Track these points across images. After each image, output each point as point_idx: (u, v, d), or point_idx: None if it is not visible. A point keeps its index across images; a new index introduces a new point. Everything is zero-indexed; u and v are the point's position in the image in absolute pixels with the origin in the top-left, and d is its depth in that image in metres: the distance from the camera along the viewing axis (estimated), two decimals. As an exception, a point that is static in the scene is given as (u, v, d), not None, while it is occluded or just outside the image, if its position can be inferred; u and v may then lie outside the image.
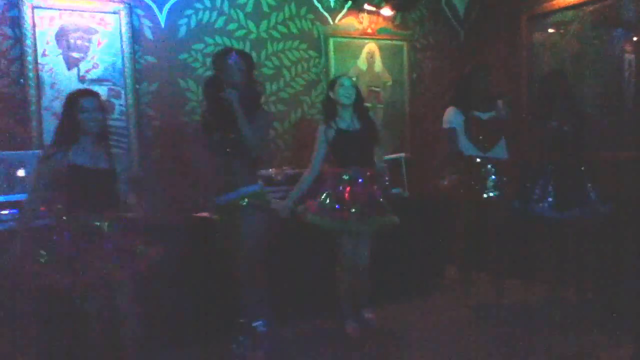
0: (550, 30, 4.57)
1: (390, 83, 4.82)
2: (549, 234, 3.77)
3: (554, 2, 4.48)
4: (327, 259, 3.39)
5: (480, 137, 3.64)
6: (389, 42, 4.81)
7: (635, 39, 4.03)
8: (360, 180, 3.27)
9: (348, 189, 3.25)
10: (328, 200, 3.24)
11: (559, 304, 3.68)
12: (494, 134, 3.67)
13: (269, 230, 3.00)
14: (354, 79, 3.56)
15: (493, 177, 3.62)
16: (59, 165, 2.58)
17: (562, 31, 4.49)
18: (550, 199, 3.55)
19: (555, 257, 3.78)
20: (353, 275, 3.33)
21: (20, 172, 3.01)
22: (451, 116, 3.72)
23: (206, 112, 3.09)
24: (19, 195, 2.94)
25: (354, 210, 3.20)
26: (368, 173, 3.30)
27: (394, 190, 4.01)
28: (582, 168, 3.59)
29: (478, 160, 3.63)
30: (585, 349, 3.03)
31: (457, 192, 3.74)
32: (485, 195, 3.63)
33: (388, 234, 3.41)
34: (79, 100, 2.63)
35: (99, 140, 2.70)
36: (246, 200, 2.92)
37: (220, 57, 3.00)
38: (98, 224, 2.61)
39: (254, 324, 2.93)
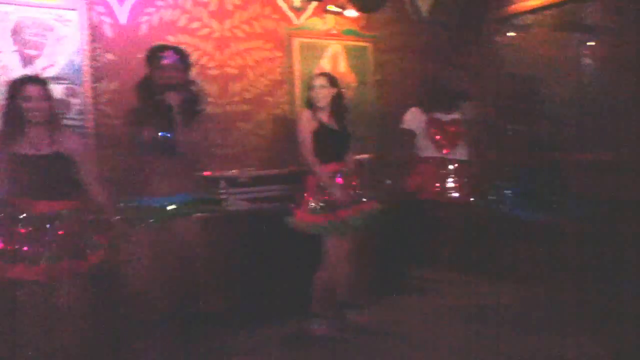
0: (514, 33, 4.66)
1: (355, 84, 4.82)
2: (521, 234, 3.82)
3: (517, 6, 4.57)
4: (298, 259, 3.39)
5: (440, 138, 3.68)
6: (354, 43, 4.82)
7: (592, 43, 4.13)
8: (340, 179, 3.25)
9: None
10: (313, 205, 3.19)
11: (531, 304, 3.73)
12: (454, 135, 3.71)
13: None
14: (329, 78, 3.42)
15: (451, 178, 3.66)
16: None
17: (524, 34, 4.58)
18: (523, 202, 3.61)
19: (527, 257, 3.84)
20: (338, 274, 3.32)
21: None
22: (410, 117, 3.75)
23: (136, 111, 2.92)
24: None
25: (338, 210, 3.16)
26: (345, 169, 3.28)
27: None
28: (552, 169, 3.67)
29: (436, 161, 3.67)
30: (555, 348, 3.06)
31: (418, 193, 3.76)
32: (448, 196, 3.66)
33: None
34: (23, 88, 2.54)
35: (47, 128, 2.60)
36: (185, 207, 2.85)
37: (155, 54, 2.90)
38: (42, 214, 2.51)
39: None
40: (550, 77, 4.34)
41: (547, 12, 4.40)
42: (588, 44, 4.23)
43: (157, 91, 2.78)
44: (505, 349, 3.05)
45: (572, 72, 4.29)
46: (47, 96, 2.61)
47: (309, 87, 3.37)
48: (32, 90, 2.54)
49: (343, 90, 4.41)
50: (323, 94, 3.26)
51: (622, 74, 3.96)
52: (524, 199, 3.62)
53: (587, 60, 4.25)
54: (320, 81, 3.31)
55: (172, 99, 2.80)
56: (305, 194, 3.21)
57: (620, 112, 3.97)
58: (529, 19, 4.56)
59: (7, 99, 2.59)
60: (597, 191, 3.80)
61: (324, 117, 3.28)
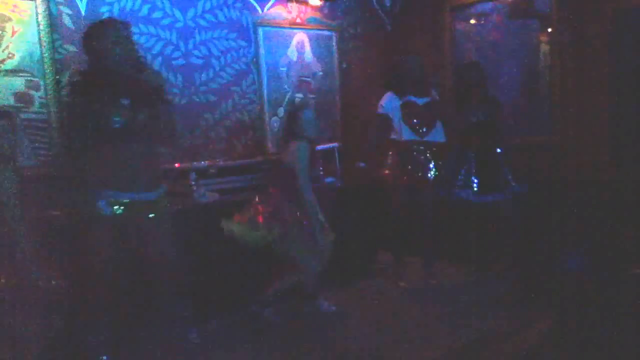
0: (472, 21, 4.77)
1: (320, 73, 4.85)
2: (472, 217, 3.97)
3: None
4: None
5: (417, 122, 3.76)
6: (318, 31, 4.84)
7: (549, 30, 4.28)
8: None
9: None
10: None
11: (484, 284, 3.89)
12: (430, 118, 3.80)
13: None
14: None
15: (431, 161, 3.76)
16: None
17: (482, 22, 4.70)
18: (473, 185, 3.76)
19: (478, 239, 3.99)
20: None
21: None
22: (386, 101, 3.81)
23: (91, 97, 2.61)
24: None
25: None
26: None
27: (327, 180, 4.07)
28: (499, 153, 3.81)
29: (416, 144, 3.75)
30: (508, 325, 3.21)
31: (397, 178, 3.83)
32: (429, 177, 3.77)
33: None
34: None
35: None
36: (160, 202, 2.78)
37: (101, 32, 2.64)
38: None
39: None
40: (503, 64, 4.49)
41: (505, 0, 4.52)
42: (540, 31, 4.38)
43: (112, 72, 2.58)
44: (461, 327, 3.19)
45: (524, 59, 4.44)
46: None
47: (290, 116, 3.43)
48: None
49: (308, 79, 4.51)
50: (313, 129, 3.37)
51: (571, 61, 4.15)
52: (482, 183, 3.78)
53: (540, 48, 4.41)
54: (305, 116, 3.37)
55: (129, 81, 2.62)
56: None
57: (561, 98, 4.17)
58: (488, 6, 4.67)
59: None
60: (534, 171, 3.99)
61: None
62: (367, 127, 4.11)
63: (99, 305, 2.69)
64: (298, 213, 3.24)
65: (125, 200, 2.64)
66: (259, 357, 2.99)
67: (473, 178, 3.79)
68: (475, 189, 3.78)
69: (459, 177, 3.81)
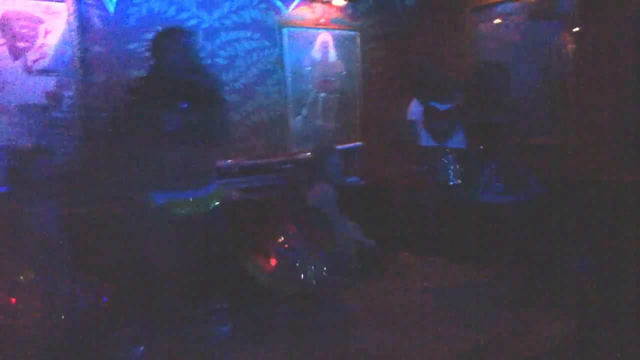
0: (493, 22, 4.74)
1: (344, 73, 4.88)
2: (493, 218, 3.95)
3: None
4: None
5: (437, 128, 3.76)
6: (342, 32, 4.86)
7: (573, 30, 4.24)
8: None
9: None
10: None
11: (506, 284, 3.86)
12: (450, 124, 3.80)
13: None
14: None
15: (452, 166, 3.76)
16: None
17: (504, 22, 4.67)
18: (494, 186, 3.75)
19: (498, 240, 3.97)
20: None
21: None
22: (412, 108, 3.84)
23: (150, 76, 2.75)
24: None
25: None
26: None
27: (350, 179, 4.09)
28: (519, 154, 3.80)
29: (434, 150, 3.76)
30: (529, 325, 3.19)
31: (417, 182, 3.85)
32: (450, 184, 3.77)
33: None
34: None
35: None
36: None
37: (167, 38, 2.75)
38: None
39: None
40: (525, 64, 4.46)
41: (528, 0, 4.49)
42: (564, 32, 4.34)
43: (175, 77, 2.68)
44: (481, 328, 3.16)
45: (546, 60, 4.40)
46: None
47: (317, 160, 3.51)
48: None
49: (332, 79, 4.52)
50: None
51: (594, 61, 4.10)
52: (494, 183, 3.76)
53: (563, 48, 4.37)
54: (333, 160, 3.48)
55: (188, 85, 2.72)
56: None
57: (583, 99, 4.12)
58: (508, 7, 4.64)
59: None
60: (550, 173, 3.96)
61: None
62: (394, 129, 4.11)
63: (145, 298, 2.78)
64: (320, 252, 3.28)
65: (178, 199, 2.74)
66: (277, 353, 3.03)
67: (494, 179, 3.78)
68: (497, 190, 3.77)
69: (481, 179, 3.80)
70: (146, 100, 2.66)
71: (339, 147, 4.40)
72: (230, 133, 3.03)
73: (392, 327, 3.28)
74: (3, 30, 3.46)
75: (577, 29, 4.18)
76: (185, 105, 2.68)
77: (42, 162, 2.66)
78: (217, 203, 2.84)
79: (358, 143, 4.35)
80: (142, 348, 2.77)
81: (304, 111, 4.64)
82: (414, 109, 3.82)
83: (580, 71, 4.18)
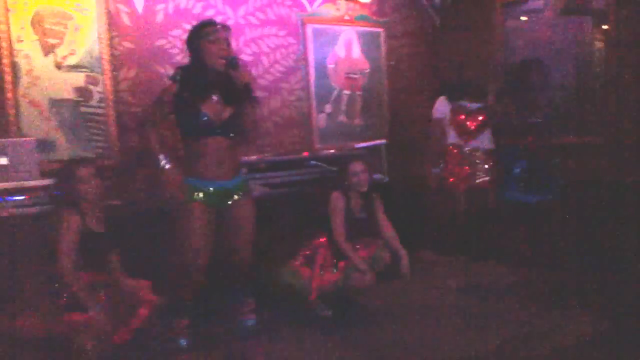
0: (523, 18, 4.69)
1: (368, 70, 4.87)
2: (521, 217, 3.92)
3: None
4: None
5: (464, 127, 3.74)
6: (367, 28, 4.85)
7: (604, 27, 4.17)
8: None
9: None
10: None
11: (530, 284, 3.83)
12: (478, 124, 3.77)
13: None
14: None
15: (479, 164, 3.73)
16: None
17: (534, 19, 4.62)
18: (523, 185, 3.71)
19: (525, 239, 3.94)
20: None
21: (3, 160, 2.96)
22: (439, 106, 3.81)
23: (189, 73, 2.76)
24: (1, 184, 2.90)
25: None
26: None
27: (374, 176, 4.07)
28: (549, 153, 3.76)
29: (461, 149, 3.74)
30: (555, 324, 3.16)
31: (445, 181, 3.83)
32: (477, 181, 3.74)
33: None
34: (75, 172, 2.68)
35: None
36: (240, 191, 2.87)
37: (204, 29, 2.74)
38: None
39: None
40: (555, 62, 4.40)
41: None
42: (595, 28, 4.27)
43: (212, 68, 2.69)
44: (504, 327, 3.15)
45: (576, 57, 4.34)
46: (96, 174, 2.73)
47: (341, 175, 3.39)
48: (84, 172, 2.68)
49: (356, 76, 4.50)
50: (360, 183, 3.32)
51: (626, 58, 4.03)
52: (532, 184, 3.73)
53: (594, 45, 4.30)
54: (359, 167, 3.34)
55: (221, 78, 2.72)
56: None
57: (615, 97, 4.05)
58: (538, 3, 4.59)
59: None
60: (585, 173, 3.91)
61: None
62: (425, 130, 4.10)
63: (185, 290, 2.82)
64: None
65: (209, 188, 2.76)
66: (306, 348, 3.04)
67: (520, 177, 3.75)
68: (525, 188, 3.74)
69: (511, 177, 3.77)
70: (183, 90, 2.70)
71: (363, 144, 4.42)
72: (256, 131, 3.02)
73: (416, 325, 3.28)
74: (35, 27, 3.53)
75: (607, 25, 4.11)
76: (217, 97, 2.72)
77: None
78: (242, 193, 2.86)
79: (382, 140, 4.33)
80: (184, 341, 2.83)
81: (328, 108, 4.65)
82: (440, 107, 3.79)
83: (610, 69, 4.11)
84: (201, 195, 2.73)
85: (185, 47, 2.85)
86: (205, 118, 2.68)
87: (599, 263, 3.80)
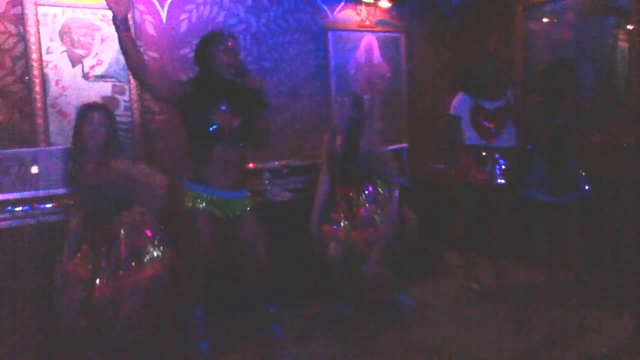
0: (545, 20, 4.66)
1: (388, 74, 4.88)
2: (544, 217, 3.88)
3: (547, -9, 4.56)
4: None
5: (485, 126, 3.72)
6: (387, 33, 4.87)
7: (628, 27, 4.12)
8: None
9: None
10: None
11: (557, 284, 3.80)
12: (499, 122, 3.74)
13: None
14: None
15: (500, 165, 3.71)
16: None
17: (556, 20, 4.58)
18: (544, 184, 3.68)
19: (550, 239, 3.90)
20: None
21: (34, 169, 3.04)
22: (458, 102, 3.79)
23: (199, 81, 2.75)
24: (31, 192, 2.99)
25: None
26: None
27: (395, 180, 4.07)
28: (574, 154, 3.71)
29: (479, 149, 3.72)
30: (584, 324, 3.14)
31: (459, 178, 3.82)
32: (496, 182, 3.72)
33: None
34: (86, 113, 2.69)
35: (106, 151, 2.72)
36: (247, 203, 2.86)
37: (216, 39, 2.73)
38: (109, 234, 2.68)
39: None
40: (578, 63, 4.35)
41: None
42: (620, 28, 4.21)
43: (224, 77, 2.69)
44: (531, 328, 3.14)
45: (600, 58, 4.28)
46: (105, 123, 2.71)
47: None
48: (94, 115, 2.68)
49: (377, 81, 4.51)
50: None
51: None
52: (554, 183, 3.69)
53: (618, 46, 4.25)
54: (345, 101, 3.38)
55: (230, 87, 2.72)
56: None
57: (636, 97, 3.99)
58: (560, 5, 4.55)
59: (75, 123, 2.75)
60: (608, 172, 3.85)
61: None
62: (438, 126, 4.09)
63: (196, 296, 2.83)
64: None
65: (212, 196, 2.74)
66: (330, 349, 3.06)
67: (544, 177, 3.71)
68: (547, 188, 3.70)
69: (531, 176, 3.74)
70: (193, 99, 2.68)
71: (384, 148, 4.41)
72: (268, 139, 2.92)
73: (442, 327, 3.28)
74: (63, 38, 3.63)
75: (632, 26, 4.05)
76: (225, 106, 2.71)
77: None
78: (248, 208, 2.83)
79: (404, 144, 4.33)
80: (206, 345, 2.85)
81: (350, 113, 4.66)
82: (458, 104, 3.77)
83: (635, 69, 4.06)
84: (204, 203, 2.71)
85: (195, 56, 2.82)
86: (214, 127, 2.66)
87: (630, 264, 3.75)
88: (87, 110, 2.72)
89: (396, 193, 3.33)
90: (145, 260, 2.68)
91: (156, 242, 2.73)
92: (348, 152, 3.32)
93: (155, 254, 2.72)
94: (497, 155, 3.72)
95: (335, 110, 3.37)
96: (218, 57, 2.69)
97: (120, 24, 2.48)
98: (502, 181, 3.70)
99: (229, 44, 2.72)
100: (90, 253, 2.66)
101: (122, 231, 2.68)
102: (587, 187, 3.69)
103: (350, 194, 3.35)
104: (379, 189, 3.38)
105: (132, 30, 3.73)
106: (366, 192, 3.37)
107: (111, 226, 2.68)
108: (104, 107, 2.82)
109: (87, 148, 2.67)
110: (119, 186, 2.69)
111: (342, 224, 3.32)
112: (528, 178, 3.74)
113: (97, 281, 2.56)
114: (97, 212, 2.69)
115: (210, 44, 2.73)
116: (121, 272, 2.61)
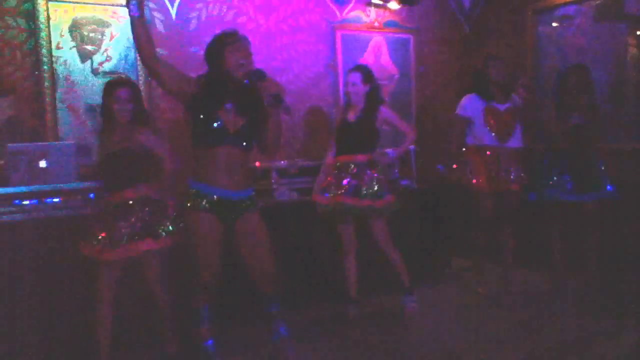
0: (555, 24, 4.64)
1: (397, 76, 4.87)
2: (564, 218, 3.83)
3: (558, -4, 4.55)
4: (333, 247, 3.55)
5: (499, 127, 3.71)
6: (396, 35, 4.86)
7: (638, 32, 4.10)
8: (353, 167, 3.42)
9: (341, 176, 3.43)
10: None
11: (566, 292, 3.77)
12: (511, 124, 3.74)
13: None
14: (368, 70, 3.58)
15: (513, 168, 3.70)
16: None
17: (566, 25, 4.56)
18: (567, 184, 3.65)
19: (564, 244, 3.86)
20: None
21: (42, 164, 3.04)
22: (469, 103, 3.77)
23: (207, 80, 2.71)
24: (41, 186, 2.99)
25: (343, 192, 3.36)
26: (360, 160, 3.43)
27: (403, 182, 4.07)
28: (595, 155, 3.70)
29: (493, 149, 3.71)
30: (591, 331, 3.13)
31: (468, 182, 3.80)
32: (505, 184, 3.71)
33: (397, 224, 3.51)
34: (113, 91, 2.80)
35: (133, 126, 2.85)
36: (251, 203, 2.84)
37: (228, 39, 2.69)
38: (127, 201, 2.75)
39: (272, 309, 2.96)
40: (594, 68, 4.32)
41: (591, 2, 4.37)
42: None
43: (236, 77, 2.65)
44: (539, 334, 3.13)
45: (611, 64, 4.26)
46: (134, 98, 2.85)
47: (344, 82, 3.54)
48: (120, 92, 2.80)
49: (385, 83, 4.50)
50: (355, 91, 3.46)
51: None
52: (576, 183, 3.66)
53: (628, 51, 4.23)
54: (352, 78, 3.48)
55: (237, 86, 2.68)
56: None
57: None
58: (570, 9, 4.53)
59: (102, 99, 2.88)
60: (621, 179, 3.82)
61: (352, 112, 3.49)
62: (448, 128, 4.07)
63: (201, 296, 2.83)
64: None
65: (214, 196, 2.70)
66: (334, 350, 3.05)
67: (565, 177, 3.68)
68: (568, 188, 3.67)
69: (553, 177, 3.71)
70: (200, 96, 2.65)
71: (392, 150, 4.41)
72: (279, 144, 2.89)
73: (447, 330, 3.27)
74: (73, 34, 3.63)
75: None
76: (230, 106, 2.66)
77: None
78: (252, 208, 2.79)
79: (412, 146, 4.32)
80: (211, 342, 2.85)
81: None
82: (469, 105, 3.77)
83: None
84: (205, 203, 2.67)
85: (205, 54, 2.78)
86: (218, 125, 2.62)
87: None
88: (113, 86, 2.82)
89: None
90: (160, 231, 2.77)
91: (171, 217, 2.83)
92: (365, 120, 3.44)
93: (170, 227, 2.80)
94: (508, 158, 3.71)
95: (352, 88, 3.48)
96: (229, 56, 2.65)
97: (134, 8, 2.45)
98: (516, 186, 3.69)
99: (242, 44, 2.70)
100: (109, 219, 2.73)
101: (138, 201, 2.77)
102: (609, 187, 3.66)
103: (351, 162, 3.44)
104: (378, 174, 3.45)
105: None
106: (366, 166, 3.44)
107: (129, 194, 2.76)
108: (130, 82, 2.92)
109: (117, 123, 2.81)
110: (137, 155, 2.80)
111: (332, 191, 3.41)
112: (548, 179, 3.72)
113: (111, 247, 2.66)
114: (117, 179, 2.77)
115: (222, 42, 2.70)
116: (137, 239, 2.70)
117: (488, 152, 3.72)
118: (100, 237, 2.67)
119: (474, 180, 3.75)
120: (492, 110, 3.71)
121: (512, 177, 3.71)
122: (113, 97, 2.79)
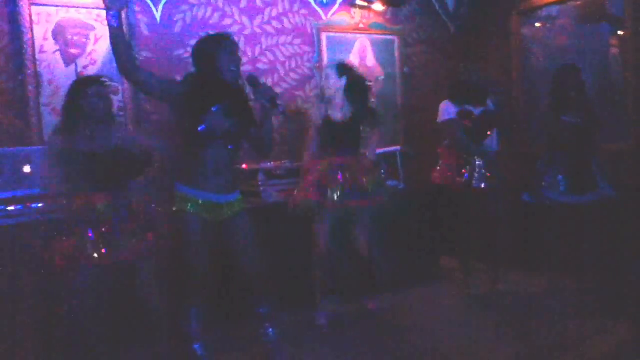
0: (539, 25, 4.69)
1: (382, 77, 4.90)
2: (554, 221, 3.85)
3: (542, -3, 4.60)
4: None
5: (471, 130, 3.75)
6: (381, 36, 4.89)
7: (620, 33, 4.16)
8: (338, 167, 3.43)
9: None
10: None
11: (558, 293, 3.77)
12: (484, 127, 3.79)
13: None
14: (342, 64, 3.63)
15: (482, 170, 3.72)
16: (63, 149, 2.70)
17: (550, 26, 4.61)
18: (561, 186, 3.67)
19: (556, 245, 3.87)
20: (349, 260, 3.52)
21: (27, 169, 3.02)
22: (444, 108, 3.82)
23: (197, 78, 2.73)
24: (25, 191, 2.97)
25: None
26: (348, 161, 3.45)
27: (389, 183, 4.09)
28: (591, 155, 3.72)
29: (468, 152, 3.75)
30: (583, 332, 3.13)
31: (448, 183, 3.84)
32: (476, 186, 3.73)
33: (386, 225, 3.53)
34: (85, 88, 2.72)
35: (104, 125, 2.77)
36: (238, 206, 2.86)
37: (221, 44, 2.71)
38: (98, 207, 2.67)
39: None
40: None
41: (573, 3, 4.42)
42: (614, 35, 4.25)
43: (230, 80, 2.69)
44: (525, 336, 3.14)
45: (594, 64, 4.31)
46: (104, 95, 2.79)
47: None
48: (91, 90, 2.73)
49: (370, 84, 4.52)
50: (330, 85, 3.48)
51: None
52: (572, 184, 3.68)
53: (611, 52, 4.28)
54: (328, 72, 3.52)
55: (223, 89, 2.70)
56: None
57: (634, 103, 4.01)
58: (554, 10, 4.58)
59: (67, 97, 2.76)
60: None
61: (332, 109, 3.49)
62: (439, 132, 4.08)
63: (192, 297, 2.82)
64: None
65: (199, 200, 2.71)
66: (324, 353, 3.06)
67: (561, 178, 3.70)
68: (564, 189, 3.68)
69: (547, 178, 3.73)
70: (187, 98, 2.66)
71: (379, 151, 4.43)
72: (271, 146, 2.96)
73: (437, 331, 3.28)
74: (57, 38, 3.61)
75: (626, 32, 4.08)
76: (215, 108, 2.66)
77: None
78: (239, 211, 2.82)
79: (397, 147, 4.35)
80: (199, 345, 2.84)
81: (343, 115, 4.66)
82: (448, 109, 3.81)
83: (628, 76, 4.08)
84: (193, 206, 2.68)
85: (194, 55, 2.79)
86: (206, 127, 2.62)
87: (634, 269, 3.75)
88: (84, 84, 2.76)
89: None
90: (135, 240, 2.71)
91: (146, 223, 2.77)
92: (355, 117, 3.46)
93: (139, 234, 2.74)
94: (479, 159, 3.74)
95: (325, 82, 3.50)
96: (221, 58, 2.67)
97: (113, 19, 2.45)
98: (483, 185, 3.71)
99: (235, 47, 2.73)
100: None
101: (129, 200, 2.74)
102: (607, 188, 3.67)
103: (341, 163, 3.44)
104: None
105: (126, 29, 3.76)
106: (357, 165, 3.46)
107: (119, 195, 2.72)
108: (100, 80, 2.85)
109: (85, 122, 2.71)
110: (125, 154, 2.75)
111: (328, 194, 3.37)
112: (545, 180, 3.74)
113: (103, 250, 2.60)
114: (106, 180, 2.70)
115: (215, 45, 2.71)
116: (134, 240, 2.67)
117: (457, 154, 3.77)
118: (71, 245, 2.61)
119: (450, 181, 3.81)
120: (465, 113, 3.75)
121: (483, 178, 3.72)
122: (84, 95, 2.71)
